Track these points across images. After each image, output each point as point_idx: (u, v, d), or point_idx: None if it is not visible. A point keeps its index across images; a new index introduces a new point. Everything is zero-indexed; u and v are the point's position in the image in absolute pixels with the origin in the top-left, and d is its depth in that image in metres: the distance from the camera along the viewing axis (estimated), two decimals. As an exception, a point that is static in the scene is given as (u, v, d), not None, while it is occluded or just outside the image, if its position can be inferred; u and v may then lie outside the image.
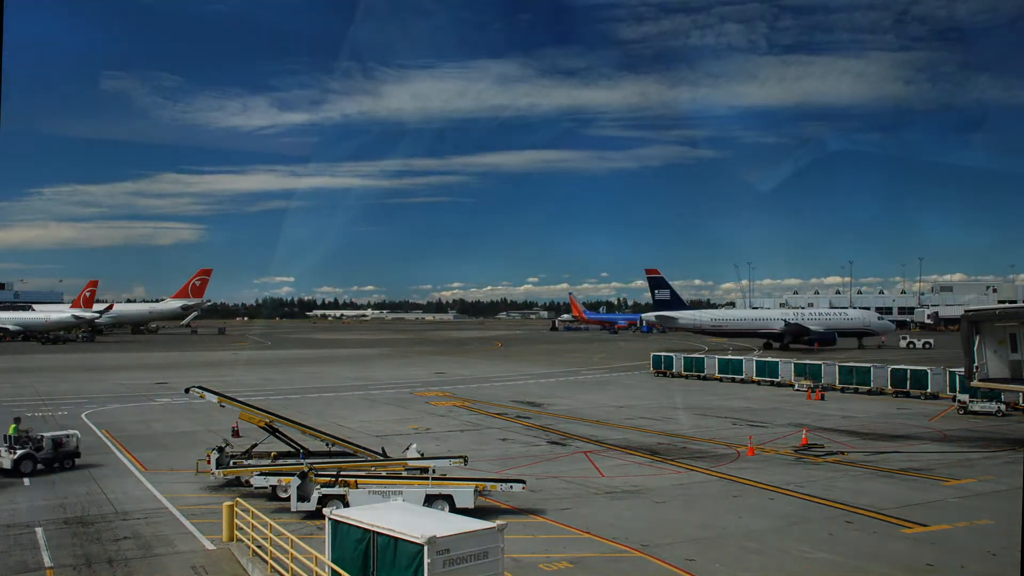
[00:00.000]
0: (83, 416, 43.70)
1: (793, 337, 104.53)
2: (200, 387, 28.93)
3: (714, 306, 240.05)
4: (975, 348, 32.87)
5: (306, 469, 23.38)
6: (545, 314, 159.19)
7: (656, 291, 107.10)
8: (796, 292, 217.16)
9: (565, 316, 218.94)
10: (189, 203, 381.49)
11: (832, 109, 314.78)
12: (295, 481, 22.73)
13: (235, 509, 20.31)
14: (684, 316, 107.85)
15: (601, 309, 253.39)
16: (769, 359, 64.17)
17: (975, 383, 34.80)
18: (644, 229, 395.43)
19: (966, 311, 35.19)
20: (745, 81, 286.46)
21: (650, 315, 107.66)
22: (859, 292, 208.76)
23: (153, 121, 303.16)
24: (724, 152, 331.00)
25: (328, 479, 23.04)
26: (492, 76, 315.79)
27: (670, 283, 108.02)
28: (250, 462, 26.63)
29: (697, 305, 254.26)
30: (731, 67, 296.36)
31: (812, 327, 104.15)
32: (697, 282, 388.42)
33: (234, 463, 26.45)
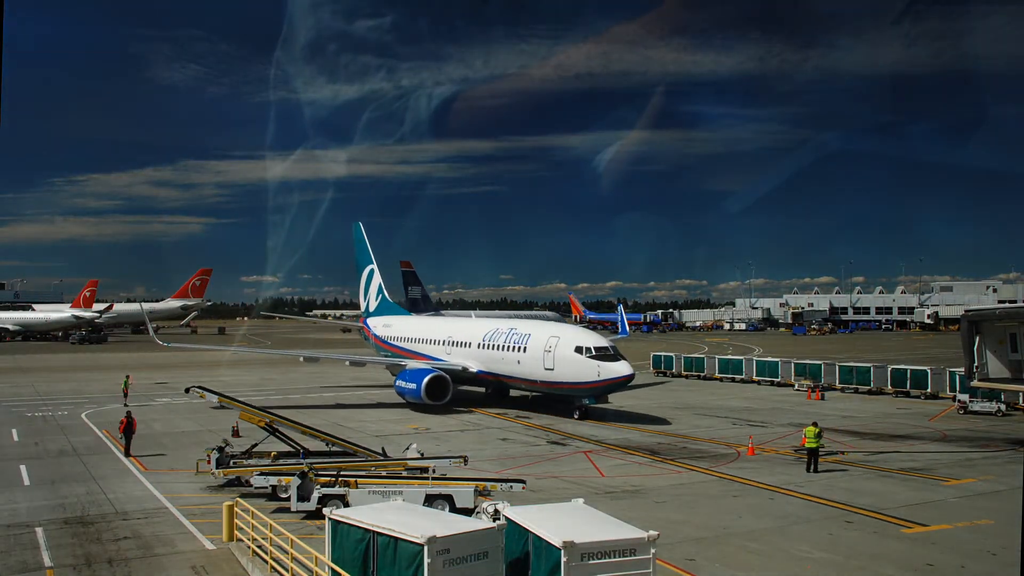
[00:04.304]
0: (83, 416, 43.69)
1: None
2: (200, 387, 28.94)
3: (714, 306, 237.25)
4: (975, 348, 32.92)
5: (306, 469, 23.39)
6: (548, 313, 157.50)
7: (409, 288, 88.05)
8: (796, 291, 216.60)
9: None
10: (209, 194, 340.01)
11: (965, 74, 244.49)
12: (295, 481, 22.75)
13: (235, 509, 20.33)
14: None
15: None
16: (769, 359, 64.15)
17: (975, 383, 34.88)
18: (661, 223, 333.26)
19: (966, 311, 35.25)
20: (892, 39, 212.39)
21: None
22: (859, 292, 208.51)
23: (180, 94, 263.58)
24: (827, 133, 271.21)
25: (328, 479, 23.04)
26: (586, 33, 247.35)
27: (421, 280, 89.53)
28: (250, 462, 26.64)
29: (696, 305, 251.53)
30: (881, 20, 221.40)
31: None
32: (689, 281, 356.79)
33: (234, 463, 26.44)
